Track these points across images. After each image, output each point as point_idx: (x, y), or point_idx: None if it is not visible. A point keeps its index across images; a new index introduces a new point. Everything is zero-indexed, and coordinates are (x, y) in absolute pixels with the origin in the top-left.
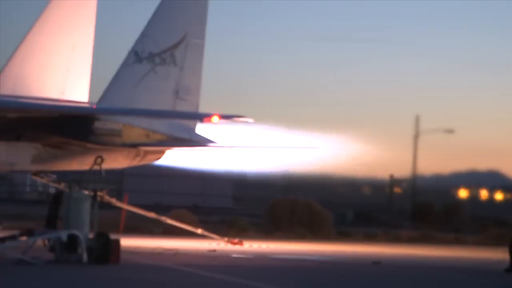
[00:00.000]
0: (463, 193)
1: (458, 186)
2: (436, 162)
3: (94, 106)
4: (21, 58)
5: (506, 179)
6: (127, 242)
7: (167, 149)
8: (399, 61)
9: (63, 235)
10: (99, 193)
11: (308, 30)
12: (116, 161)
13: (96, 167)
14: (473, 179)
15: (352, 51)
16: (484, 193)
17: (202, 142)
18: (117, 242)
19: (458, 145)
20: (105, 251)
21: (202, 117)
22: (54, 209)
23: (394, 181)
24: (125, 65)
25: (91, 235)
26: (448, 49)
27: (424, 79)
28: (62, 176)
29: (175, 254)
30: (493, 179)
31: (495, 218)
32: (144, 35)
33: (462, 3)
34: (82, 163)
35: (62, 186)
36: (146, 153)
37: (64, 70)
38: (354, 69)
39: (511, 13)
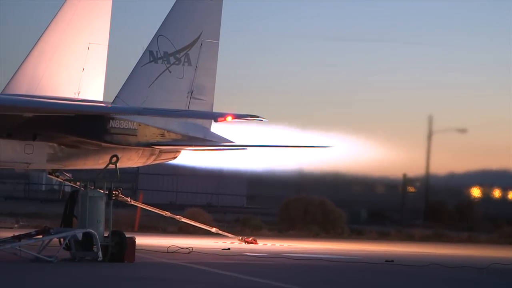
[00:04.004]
0: (476, 192)
1: (471, 185)
2: (449, 161)
3: (110, 105)
4: (36, 57)
5: None
6: (142, 240)
7: (182, 148)
8: (412, 60)
9: (79, 233)
10: (114, 192)
11: (323, 30)
12: (131, 160)
13: (111, 166)
14: (486, 178)
15: (365, 50)
16: (497, 192)
17: (216, 141)
18: (132, 240)
19: (471, 144)
20: (120, 249)
21: (216, 117)
22: (69, 207)
23: (407, 180)
24: (140, 64)
25: (106, 234)
26: (461, 49)
27: (437, 79)
28: (78, 175)
29: (189, 252)
30: (506, 178)
31: (508, 217)
32: (159, 34)
33: (476, 3)
34: (97, 162)
35: (77, 184)
36: (161, 152)
37: (79, 69)
38: (367, 69)
39: None
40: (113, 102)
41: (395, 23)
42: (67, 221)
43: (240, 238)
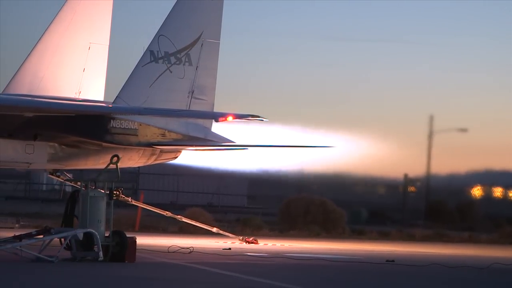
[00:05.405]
0: (477, 192)
1: (472, 185)
2: (450, 161)
3: (110, 105)
4: (37, 57)
5: None
6: (143, 240)
7: (183, 148)
8: (413, 60)
9: (80, 233)
10: (114, 192)
11: (323, 29)
12: (132, 160)
13: (112, 166)
14: (487, 178)
15: (366, 50)
16: (498, 192)
17: (217, 141)
18: (133, 240)
19: (472, 144)
20: (121, 249)
21: (217, 117)
22: (70, 207)
23: (408, 180)
24: (140, 64)
25: (107, 234)
26: (462, 48)
27: (438, 78)
28: (79, 174)
29: (190, 252)
30: (507, 178)
31: (509, 217)
32: (160, 34)
33: (476, 2)
34: (98, 162)
35: (78, 184)
36: (162, 152)
37: (80, 69)
38: (368, 68)
39: None
40: (114, 102)
41: (397, 23)
42: (68, 221)
43: (241, 238)
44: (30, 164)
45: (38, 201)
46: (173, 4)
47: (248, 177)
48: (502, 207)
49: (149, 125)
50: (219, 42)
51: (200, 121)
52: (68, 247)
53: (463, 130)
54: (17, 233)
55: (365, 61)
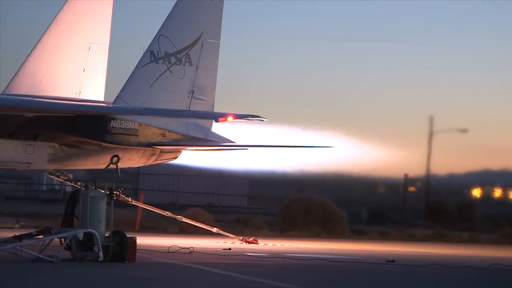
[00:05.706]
0: (476, 192)
1: (471, 185)
2: (450, 161)
3: (111, 106)
4: (37, 57)
5: None
6: (143, 240)
7: (183, 148)
8: (413, 60)
9: (80, 233)
10: (115, 192)
11: (323, 29)
12: (132, 160)
13: (112, 166)
14: (487, 178)
15: (366, 50)
16: (497, 192)
17: (217, 141)
18: (133, 240)
19: (471, 145)
20: (121, 249)
21: (217, 117)
22: (70, 207)
23: (408, 180)
24: (141, 64)
25: (107, 234)
26: (462, 48)
27: (438, 79)
28: (79, 175)
29: (190, 252)
30: (507, 178)
31: (508, 217)
32: (160, 34)
33: (476, 2)
34: (98, 162)
35: (78, 184)
36: (162, 152)
37: (80, 69)
38: (368, 68)
39: None
40: (114, 102)
41: (398, 23)
42: (68, 221)
43: (241, 238)
44: (30, 164)
45: (38, 201)
46: (173, 4)
47: (248, 177)
48: (501, 207)
49: (149, 125)
50: (219, 42)
51: (200, 121)
52: (68, 247)
53: (463, 130)
54: (17, 233)
55: (365, 61)
